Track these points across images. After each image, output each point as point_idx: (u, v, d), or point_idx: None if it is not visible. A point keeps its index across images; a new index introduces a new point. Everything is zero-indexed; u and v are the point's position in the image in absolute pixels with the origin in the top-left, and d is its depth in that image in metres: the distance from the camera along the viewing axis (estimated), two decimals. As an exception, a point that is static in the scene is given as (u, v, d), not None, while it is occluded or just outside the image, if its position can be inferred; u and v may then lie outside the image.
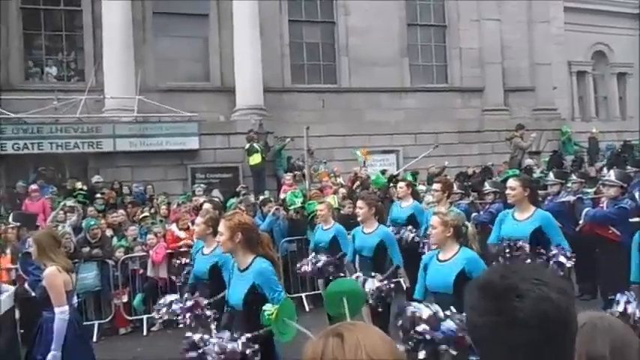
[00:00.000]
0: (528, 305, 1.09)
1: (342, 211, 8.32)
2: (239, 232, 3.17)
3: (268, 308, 3.07)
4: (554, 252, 4.53)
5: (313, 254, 6.18)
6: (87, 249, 7.55)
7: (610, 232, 6.02)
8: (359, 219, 5.35)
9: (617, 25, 20.00)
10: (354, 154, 12.73)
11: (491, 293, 1.13)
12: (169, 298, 4.50)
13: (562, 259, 4.47)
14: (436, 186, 6.20)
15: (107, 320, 7.50)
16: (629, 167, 8.33)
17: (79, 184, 10.66)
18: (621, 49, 19.99)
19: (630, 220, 5.75)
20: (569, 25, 18.69)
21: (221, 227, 3.27)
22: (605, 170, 10.58)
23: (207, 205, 5.67)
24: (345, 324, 1.12)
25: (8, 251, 7.04)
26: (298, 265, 6.45)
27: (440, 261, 3.75)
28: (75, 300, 4.23)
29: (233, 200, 9.42)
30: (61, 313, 3.83)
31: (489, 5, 15.90)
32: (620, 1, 20.04)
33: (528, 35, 16.37)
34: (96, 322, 7.32)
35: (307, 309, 7.85)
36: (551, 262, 4.46)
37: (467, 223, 4.08)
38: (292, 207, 8.62)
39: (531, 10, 16.43)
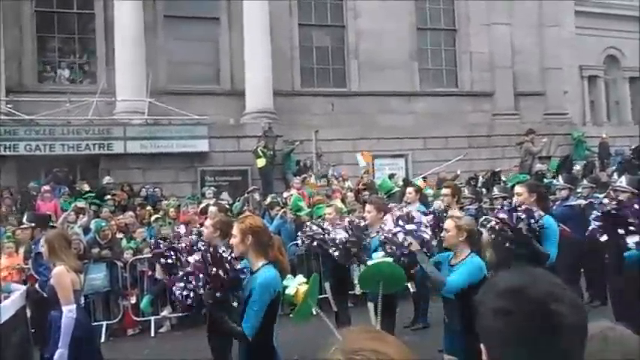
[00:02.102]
0: (567, 311, 1.05)
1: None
2: (249, 235, 3.20)
3: (289, 284, 3.02)
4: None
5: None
6: (96, 250, 7.62)
7: (621, 238, 5.94)
8: (366, 222, 5.34)
9: (629, 29, 19.78)
10: (357, 159, 12.72)
11: (526, 299, 1.07)
12: None
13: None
14: (445, 190, 6.17)
15: (115, 321, 7.56)
16: (640, 173, 8.24)
17: (85, 187, 10.71)
18: (634, 54, 19.75)
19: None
20: (580, 30, 18.53)
21: (234, 230, 3.32)
22: (615, 176, 10.45)
23: (212, 208, 5.69)
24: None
25: (21, 250, 7.14)
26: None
27: (450, 265, 3.71)
28: (82, 300, 4.27)
29: (237, 203, 9.48)
30: (69, 312, 3.88)
31: (499, 9, 15.83)
32: (632, 5, 19.84)
33: (539, 39, 16.29)
34: (104, 323, 7.37)
35: (314, 312, 7.81)
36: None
37: (481, 229, 4.00)
38: (302, 212, 8.60)
39: (542, 14, 16.34)
